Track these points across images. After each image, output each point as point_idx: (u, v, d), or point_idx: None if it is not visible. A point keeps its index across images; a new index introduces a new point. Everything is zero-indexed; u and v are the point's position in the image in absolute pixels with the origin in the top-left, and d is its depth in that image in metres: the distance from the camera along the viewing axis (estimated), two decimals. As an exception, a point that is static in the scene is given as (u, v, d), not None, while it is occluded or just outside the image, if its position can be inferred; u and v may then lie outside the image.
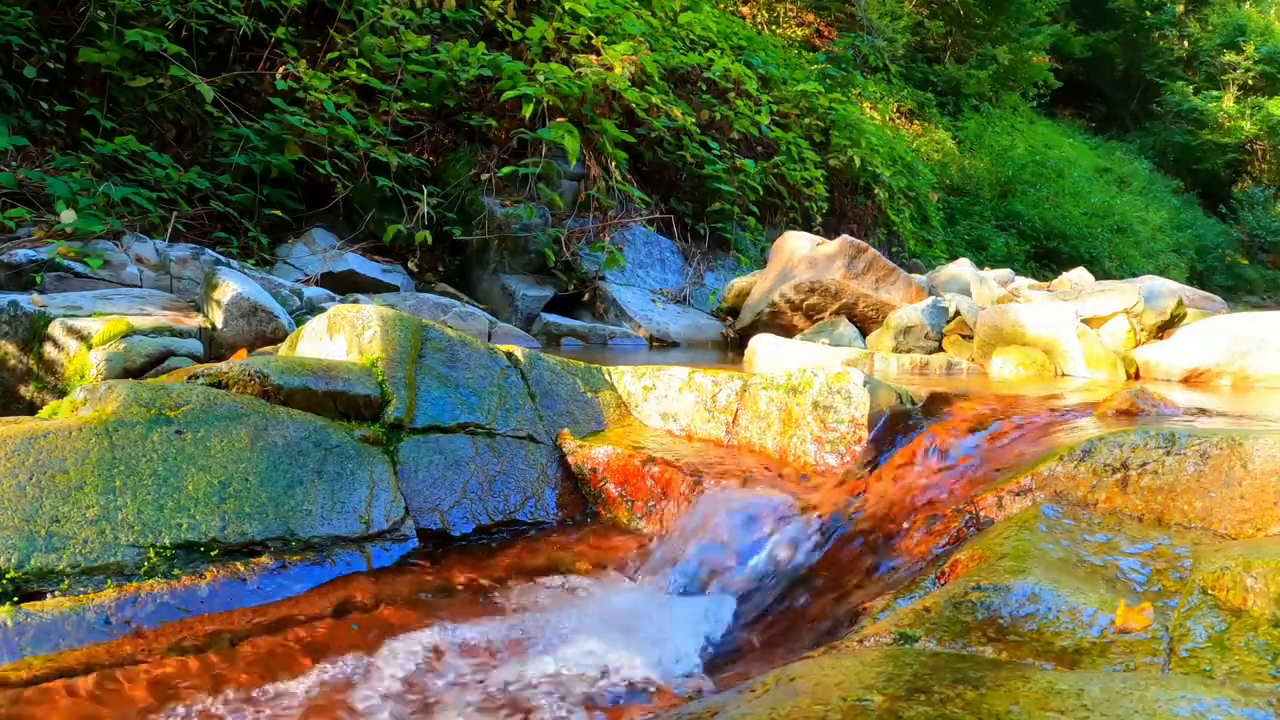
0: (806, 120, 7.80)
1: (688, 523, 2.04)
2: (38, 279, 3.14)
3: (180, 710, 1.33)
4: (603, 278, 5.14)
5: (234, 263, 3.76)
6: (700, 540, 1.96)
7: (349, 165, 4.76)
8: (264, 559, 1.74)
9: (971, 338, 3.65)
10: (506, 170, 5.02)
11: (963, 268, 4.89)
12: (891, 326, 3.86)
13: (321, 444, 1.97)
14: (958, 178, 12.53)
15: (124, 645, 1.48)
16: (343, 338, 2.34)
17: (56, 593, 1.52)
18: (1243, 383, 3.05)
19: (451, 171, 5.27)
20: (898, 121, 12.66)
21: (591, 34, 6.08)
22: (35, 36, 4.19)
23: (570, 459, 2.34)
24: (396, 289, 4.56)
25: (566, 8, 6.12)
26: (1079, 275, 4.53)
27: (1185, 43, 22.01)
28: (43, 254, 3.23)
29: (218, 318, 2.92)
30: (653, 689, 1.45)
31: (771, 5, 12.32)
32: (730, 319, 4.96)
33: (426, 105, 5.23)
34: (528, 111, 5.07)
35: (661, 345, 4.67)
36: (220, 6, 4.69)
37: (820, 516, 1.94)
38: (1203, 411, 2.17)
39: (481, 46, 5.44)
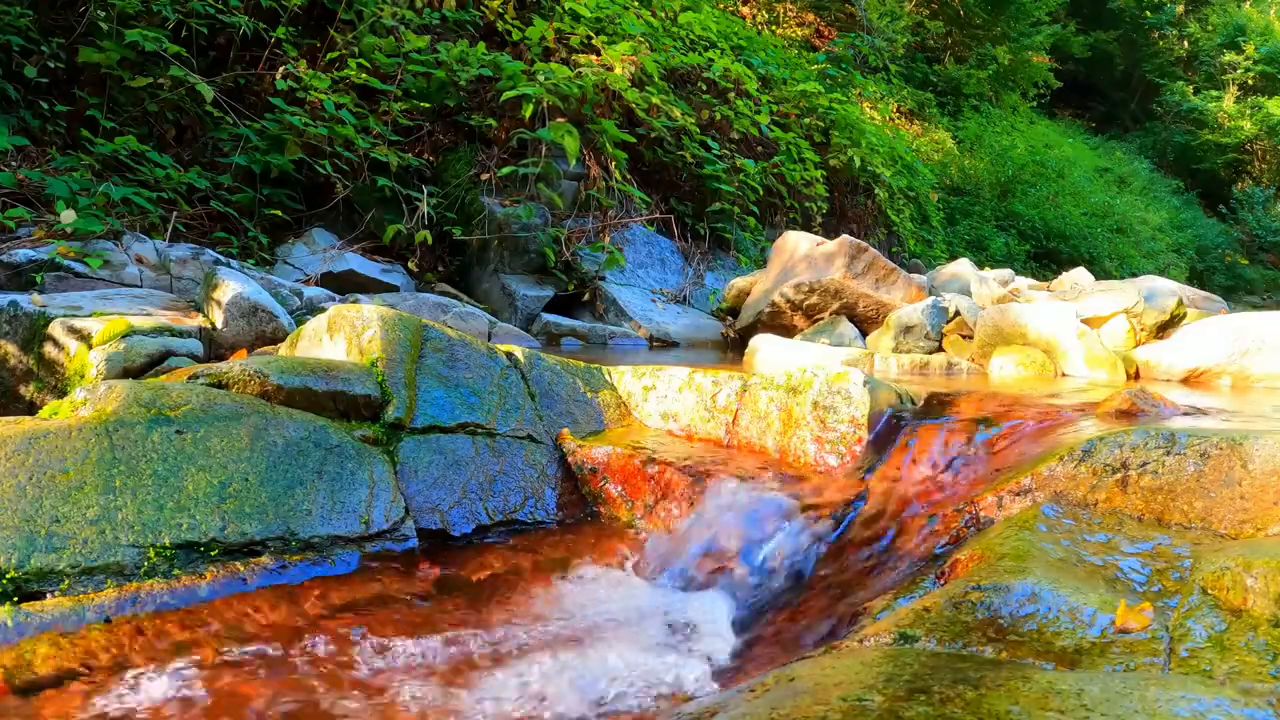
0: (806, 120, 7.80)
1: (688, 523, 2.04)
2: (38, 279, 3.14)
3: (181, 710, 1.33)
4: (603, 278, 5.14)
5: (234, 263, 3.76)
6: (700, 540, 1.96)
7: (349, 165, 4.76)
8: (264, 559, 1.74)
9: (971, 338, 3.65)
10: (506, 170, 5.02)
11: (963, 268, 4.89)
12: (891, 326, 3.86)
13: (321, 444, 1.97)
14: (958, 178, 12.53)
15: (124, 645, 1.48)
16: (343, 338, 2.34)
17: (56, 593, 1.52)
18: (1243, 383, 3.05)
19: (451, 171, 5.27)
20: (898, 121, 12.65)
21: (591, 34, 6.08)
22: (35, 36, 4.19)
23: (570, 459, 2.34)
24: (396, 289, 4.56)
25: (566, 8, 6.12)
26: (1079, 275, 4.52)
27: (1185, 43, 22.00)
28: (43, 254, 3.23)
29: (218, 318, 2.92)
30: (652, 689, 1.45)
31: (771, 5, 12.31)
32: (730, 319, 4.96)
33: (426, 105, 5.23)
34: (527, 111, 5.07)
35: (661, 345, 4.67)
36: (220, 6, 4.69)
37: (820, 516, 1.94)
38: (1203, 411, 2.17)
39: (481, 46, 5.44)
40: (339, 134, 4.65)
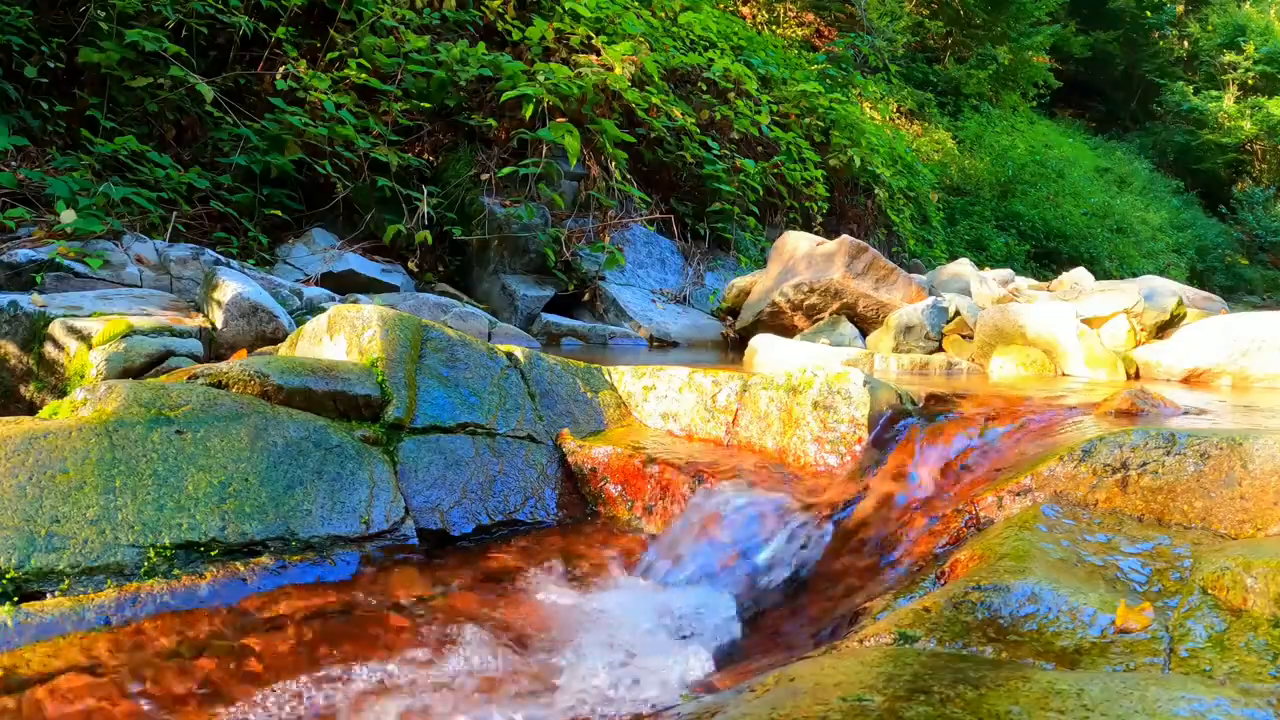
0: (806, 120, 7.80)
1: (688, 523, 2.04)
2: (38, 279, 3.14)
3: (180, 710, 1.33)
4: (603, 278, 5.14)
5: (234, 263, 3.76)
6: (701, 540, 1.96)
7: (349, 165, 4.76)
8: (264, 559, 1.74)
9: (971, 338, 3.65)
10: (506, 170, 5.02)
11: (963, 267, 4.89)
12: (891, 326, 3.86)
13: (321, 444, 1.97)
14: (958, 178, 12.53)
15: (124, 645, 1.48)
16: (343, 338, 2.34)
17: (56, 593, 1.52)
18: (1243, 383, 3.05)
19: (451, 171, 5.27)
20: (898, 121, 12.65)
21: (591, 34, 6.08)
22: (35, 36, 4.19)
23: (570, 459, 2.34)
24: (396, 289, 4.56)
25: (566, 8, 6.12)
26: (1079, 275, 4.52)
27: (1185, 43, 22.00)
28: (43, 254, 3.23)
29: (218, 318, 2.92)
30: (652, 689, 1.45)
31: (771, 5, 12.31)
32: (730, 319, 4.96)
33: (426, 105, 5.23)
34: (528, 111, 5.07)
35: (661, 345, 4.67)
36: (220, 6, 4.69)
37: (820, 516, 1.94)
38: (1203, 411, 2.17)
39: (481, 46, 5.44)
40: (339, 134, 4.65)
